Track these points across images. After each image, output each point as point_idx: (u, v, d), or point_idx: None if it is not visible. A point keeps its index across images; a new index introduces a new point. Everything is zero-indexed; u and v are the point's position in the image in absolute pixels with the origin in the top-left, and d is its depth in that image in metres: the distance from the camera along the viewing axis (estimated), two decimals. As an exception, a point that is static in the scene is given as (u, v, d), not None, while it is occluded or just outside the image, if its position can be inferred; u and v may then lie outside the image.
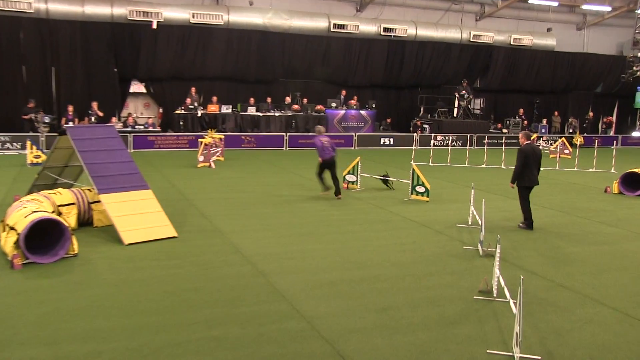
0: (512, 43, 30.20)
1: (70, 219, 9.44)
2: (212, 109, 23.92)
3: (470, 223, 10.94)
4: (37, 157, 17.16)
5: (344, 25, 26.91)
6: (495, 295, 7.02)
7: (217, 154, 19.12)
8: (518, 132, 28.07)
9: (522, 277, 5.69)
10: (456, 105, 28.23)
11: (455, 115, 28.25)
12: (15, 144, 20.28)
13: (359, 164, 14.62)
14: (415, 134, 25.52)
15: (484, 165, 19.63)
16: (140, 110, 25.57)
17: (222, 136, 20.24)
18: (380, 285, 7.43)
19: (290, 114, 25.06)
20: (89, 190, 10.03)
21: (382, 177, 14.75)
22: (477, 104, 29.35)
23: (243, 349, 5.56)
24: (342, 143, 24.64)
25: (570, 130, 29.80)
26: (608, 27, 33.34)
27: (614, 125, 33.45)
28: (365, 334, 5.94)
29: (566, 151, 23.37)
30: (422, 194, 13.23)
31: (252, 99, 24.90)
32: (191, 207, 11.82)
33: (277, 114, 24.74)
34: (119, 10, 23.46)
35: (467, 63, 29.71)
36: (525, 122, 29.41)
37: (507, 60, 30.39)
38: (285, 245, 9.20)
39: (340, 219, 11.27)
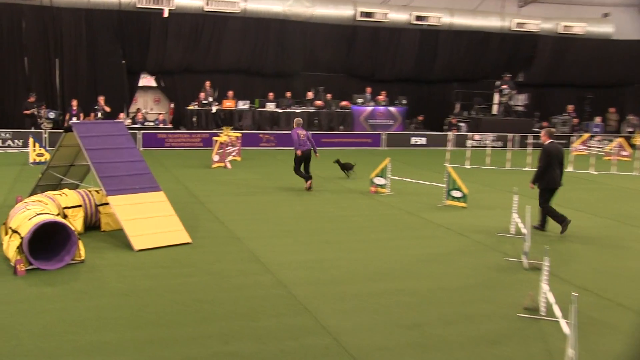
0: (560, 31, 29.79)
1: (76, 223, 9.57)
2: (228, 104, 24.12)
3: (512, 232, 10.88)
4: (40, 155, 17.47)
5: (371, 13, 26.91)
6: (542, 313, 6.95)
7: (233, 154, 19.24)
8: (566, 131, 27.88)
9: (576, 295, 5.44)
10: (496, 101, 28.05)
11: (494, 112, 28.05)
12: (16, 140, 20.62)
13: (389, 166, 14.62)
14: (449, 133, 25.42)
15: (528, 169, 19.43)
16: (149, 106, 25.89)
17: (239, 134, 20.37)
18: (410, 299, 7.43)
19: (312, 111, 25.16)
20: (97, 192, 10.16)
21: (341, 163, 15.19)
22: (520, 100, 29.04)
23: (262, 365, 5.62)
24: (369, 143, 24.67)
25: (629, 130, 29.19)
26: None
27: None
28: (395, 352, 5.96)
29: (624, 153, 23.03)
30: (458, 199, 13.18)
31: (271, 94, 25.04)
32: (205, 211, 11.95)
33: (298, 111, 24.82)
34: (128, -3, 23.77)
35: (509, 54, 29.44)
36: (576, 120, 29.04)
37: (554, 51, 29.92)
38: (307, 253, 9.26)
39: (366, 225, 11.30)
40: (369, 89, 26.71)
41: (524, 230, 9.75)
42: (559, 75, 30.41)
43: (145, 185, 9.99)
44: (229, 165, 18.11)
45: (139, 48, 24.29)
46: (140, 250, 8.99)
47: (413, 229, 11.14)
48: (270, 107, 24.64)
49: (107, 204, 9.78)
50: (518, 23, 29.04)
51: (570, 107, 29.59)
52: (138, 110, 24.49)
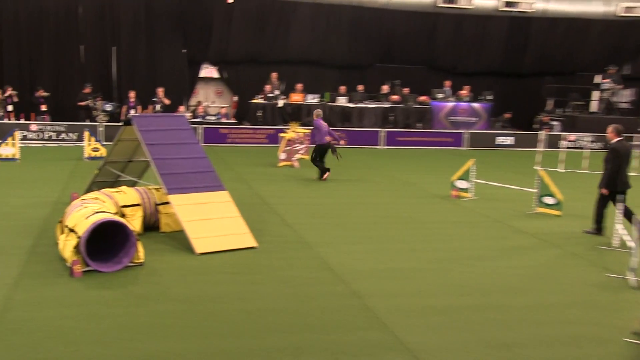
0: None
1: (134, 222, 9.77)
2: (296, 98, 24.33)
3: (616, 245, 10.56)
4: (95, 149, 18.07)
5: (455, -2, 26.69)
6: (654, 340, 6.72)
7: (302, 152, 19.37)
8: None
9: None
10: (596, 97, 27.26)
11: (594, 109, 27.30)
12: (70, 134, 21.36)
13: (473, 168, 14.42)
14: (540, 132, 24.89)
15: (633, 174, 18.83)
16: (211, 99, 26.38)
17: (308, 131, 20.49)
18: (500, 316, 7.31)
19: (387, 106, 25.09)
20: (156, 190, 10.35)
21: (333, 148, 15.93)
22: (625, 96, 28.10)
23: (336, 383, 5.64)
24: (449, 142, 24.42)
25: None
26: None
27: None
28: (484, 375, 5.87)
29: None
30: (551, 206, 12.91)
31: (342, 88, 25.10)
32: (271, 213, 12.07)
33: (371, 106, 24.81)
34: (190, -18, 24.28)
35: (612, 44, 28.57)
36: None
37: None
38: (383, 262, 9.23)
39: (448, 232, 11.19)
40: (447, 83, 26.37)
41: (630, 244, 9.44)
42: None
43: (209, 184, 10.10)
44: (296, 164, 18.24)
45: (200, 36, 24.79)
46: (202, 254, 9.13)
47: (501, 238, 10.95)
48: (342, 101, 24.71)
49: (167, 203, 9.92)
50: (626, 8, 28.01)
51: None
52: (199, 103, 24.96)
